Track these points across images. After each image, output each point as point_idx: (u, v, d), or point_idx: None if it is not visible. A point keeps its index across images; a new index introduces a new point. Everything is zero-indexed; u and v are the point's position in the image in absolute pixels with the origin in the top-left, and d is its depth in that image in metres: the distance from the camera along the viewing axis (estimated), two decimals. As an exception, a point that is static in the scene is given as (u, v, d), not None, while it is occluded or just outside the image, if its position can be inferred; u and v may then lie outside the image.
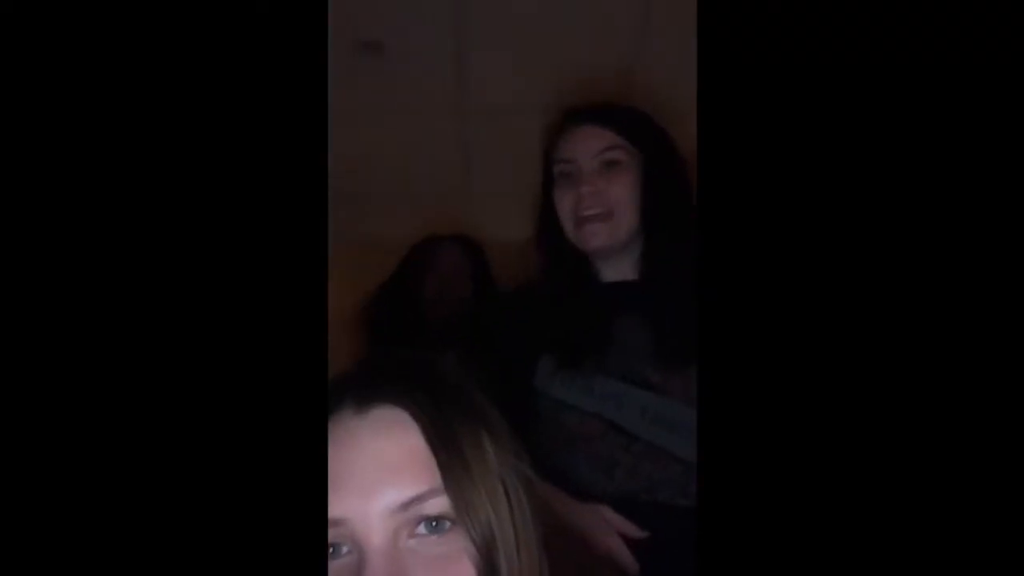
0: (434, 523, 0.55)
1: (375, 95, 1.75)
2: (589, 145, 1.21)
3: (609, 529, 1.09)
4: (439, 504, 0.55)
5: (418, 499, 0.54)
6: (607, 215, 1.19)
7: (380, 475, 0.55)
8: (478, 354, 1.26)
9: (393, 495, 0.54)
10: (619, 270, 1.25)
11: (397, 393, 0.58)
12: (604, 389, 1.16)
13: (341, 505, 0.54)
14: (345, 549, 0.54)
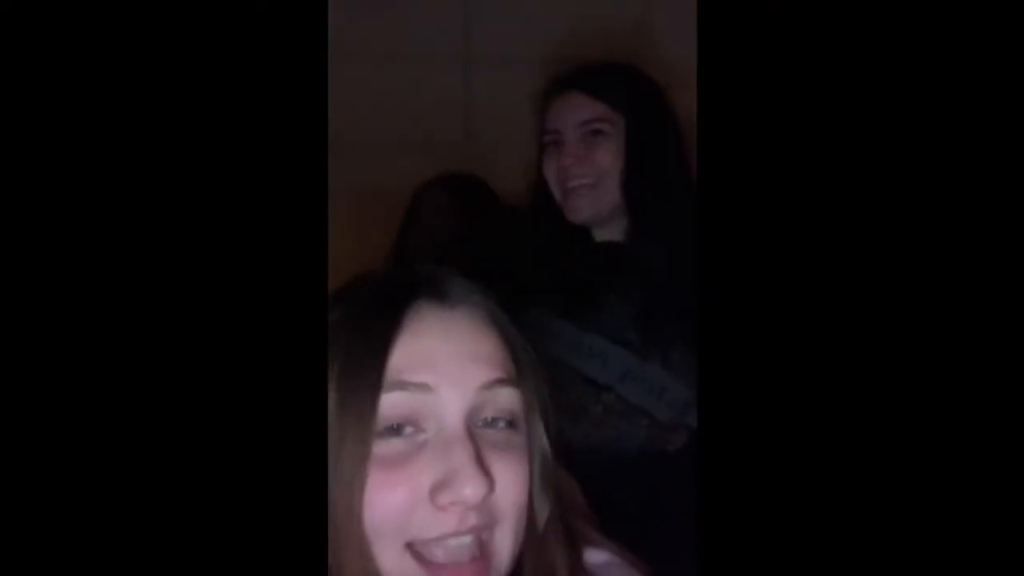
0: (495, 420, 0.58)
1: (376, 37, 1.72)
2: (573, 115, 1.21)
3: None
4: (510, 397, 0.59)
5: (499, 382, 0.58)
6: (592, 185, 1.19)
7: (469, 357, 0.58)
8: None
9: (480, 373, 0.58)
10: (611, 232, 1.25)
11: (478, 296, 0.62)
12: (592, 346, 1.16)
13: (430, 375, 0.56)
14: (409, 430, 0.56)
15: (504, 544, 0.57)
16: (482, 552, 0.56)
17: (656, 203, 1.18)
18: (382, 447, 0.55)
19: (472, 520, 0.55)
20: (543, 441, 0.62)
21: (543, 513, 0.61)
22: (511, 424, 0.59)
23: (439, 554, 0.55)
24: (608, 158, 1.19)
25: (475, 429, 0.57)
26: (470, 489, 0.54)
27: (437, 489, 0.54)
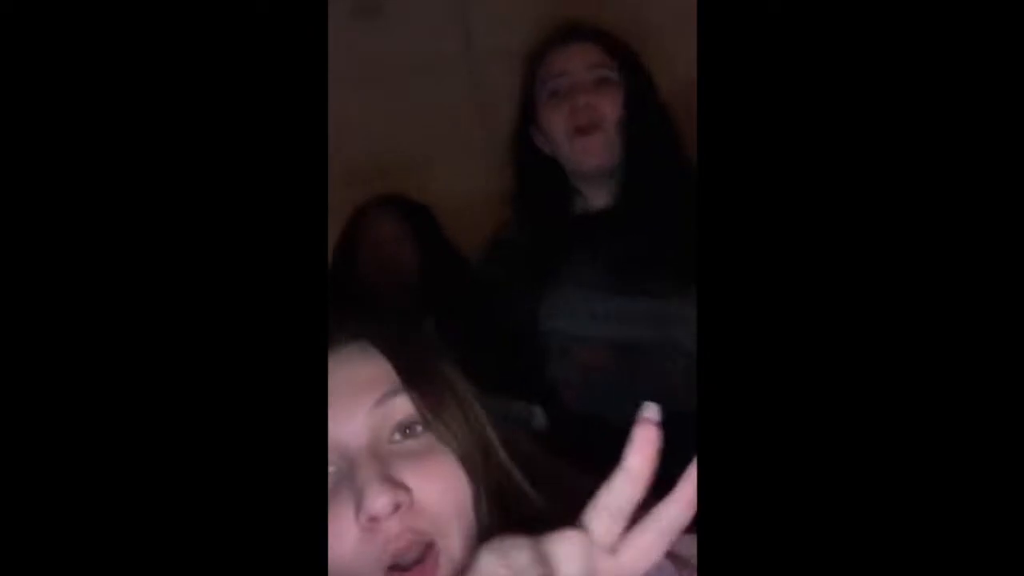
0: (407, 429, 0.60)
1: (378, 58, 1.72)
2: (583, 59, 1.20)
3: None
4: (403, 404, 0.60)
5: (387, 395, 0.60)
6: (600, 129, 1.18)
7: (346, 390, 0.60)
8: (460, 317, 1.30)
9: (362, 400, 0.60)
10: (599, 196, 1.23)
11: (357, 331, 0.64)
12: (607, 308, 1.15)
13: None
14: (331, 470, 0.58)
15: (457, 549, 0.57)
16: (436, 565, 0.56)
17: (653, 157, 1.18)
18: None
19: (409, 535, 0.56)
20: (467, 432, 0.62)
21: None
22: (424, 427, 0.60)
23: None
24: (615, 107, 1.19)
25: (385, 447, 0.59)
26: (376, 502, 0.54)
27: (356, 514, 0.56)
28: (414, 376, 0.61)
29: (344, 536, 0.56)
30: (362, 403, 0.60)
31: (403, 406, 0.60)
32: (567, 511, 0.60)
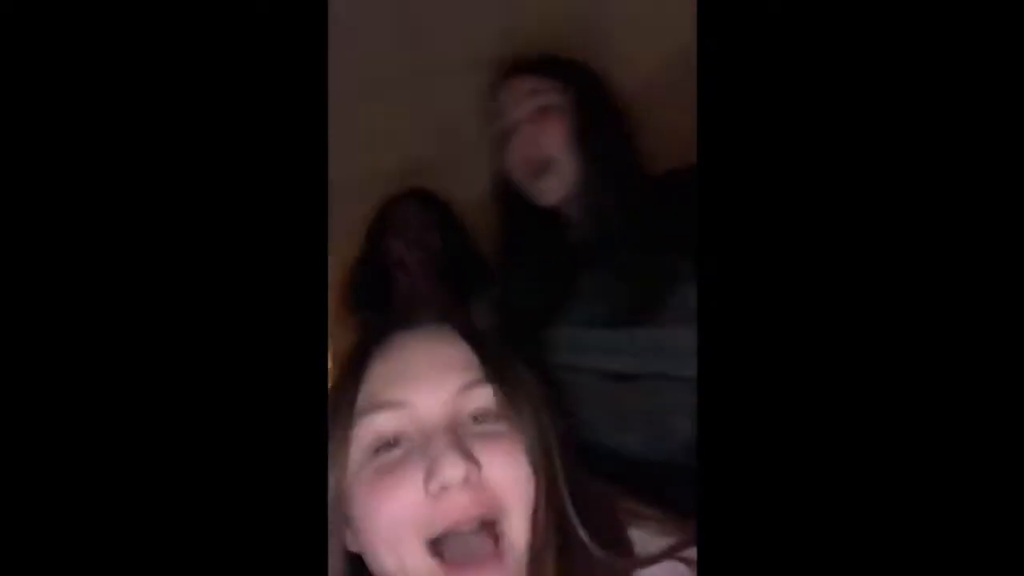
0: (479, 418, 0.63)
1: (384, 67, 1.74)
2: (518, 93, 1.21)
3: None
4: (485, 395, 0.63)
5: (470, 385, 0.63)
6: (549, 166, 1.18)
7: (435, 369, 0.63)
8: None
9: (448, 383, 0.63)
10: (581, 222, 1.23)
11: (439, 315, 0.67)
12: (601, 341, 1.16)
13: (402, 391, 0.62)
14: (404, 442, 0.61)
15: (519, 535, 0.59)
16: (498, 547, 0.59)
17: (615, 178, 1.17)
18: (383, 459, 0.61)
19: (474, 510, 0.58)
20: (536, 432, 0.64)
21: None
22: (497, 418, 0.63)
23: (458, 552, 0.58)
24: (558, 131, 1.18)
25: (460, 426, 0.62)
26: (450, 470, 0.57)
27: (425, 480, 0.58)
28: (497, 371, 0.65)
29: (407, 501, 0.58)
30: (447, 386, 0.63)
31: (482, 396, 0.64)
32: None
